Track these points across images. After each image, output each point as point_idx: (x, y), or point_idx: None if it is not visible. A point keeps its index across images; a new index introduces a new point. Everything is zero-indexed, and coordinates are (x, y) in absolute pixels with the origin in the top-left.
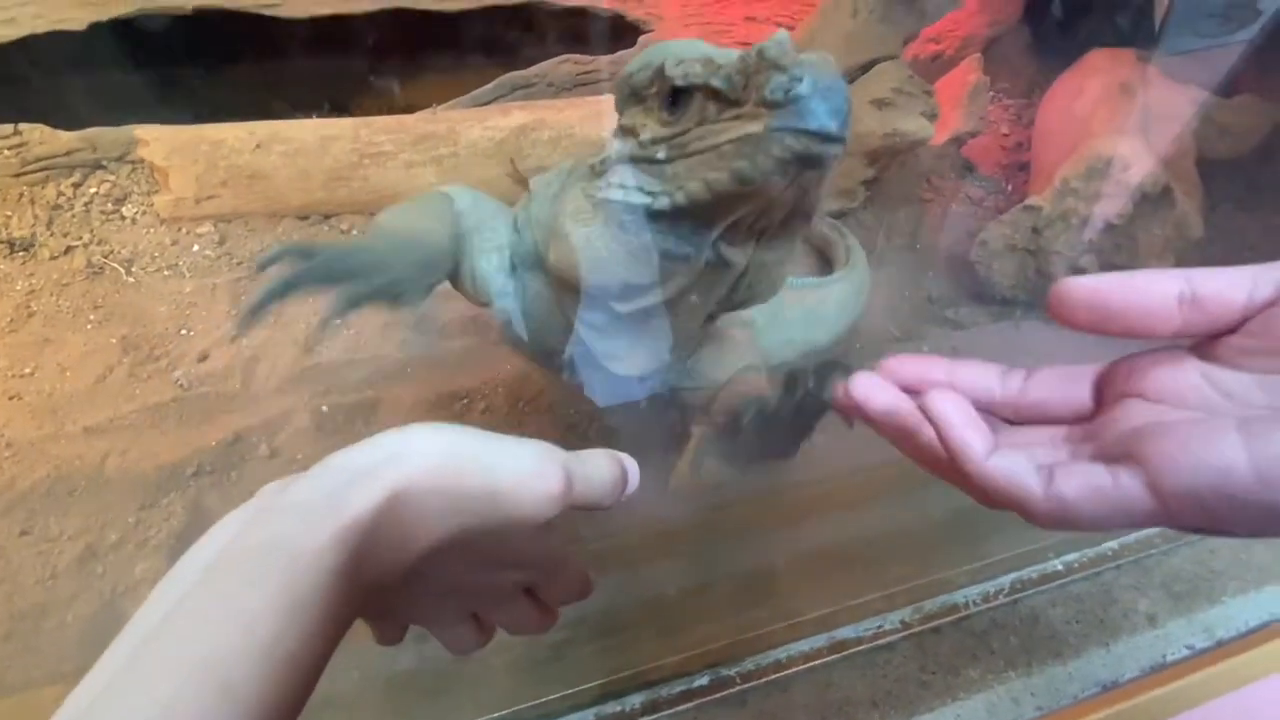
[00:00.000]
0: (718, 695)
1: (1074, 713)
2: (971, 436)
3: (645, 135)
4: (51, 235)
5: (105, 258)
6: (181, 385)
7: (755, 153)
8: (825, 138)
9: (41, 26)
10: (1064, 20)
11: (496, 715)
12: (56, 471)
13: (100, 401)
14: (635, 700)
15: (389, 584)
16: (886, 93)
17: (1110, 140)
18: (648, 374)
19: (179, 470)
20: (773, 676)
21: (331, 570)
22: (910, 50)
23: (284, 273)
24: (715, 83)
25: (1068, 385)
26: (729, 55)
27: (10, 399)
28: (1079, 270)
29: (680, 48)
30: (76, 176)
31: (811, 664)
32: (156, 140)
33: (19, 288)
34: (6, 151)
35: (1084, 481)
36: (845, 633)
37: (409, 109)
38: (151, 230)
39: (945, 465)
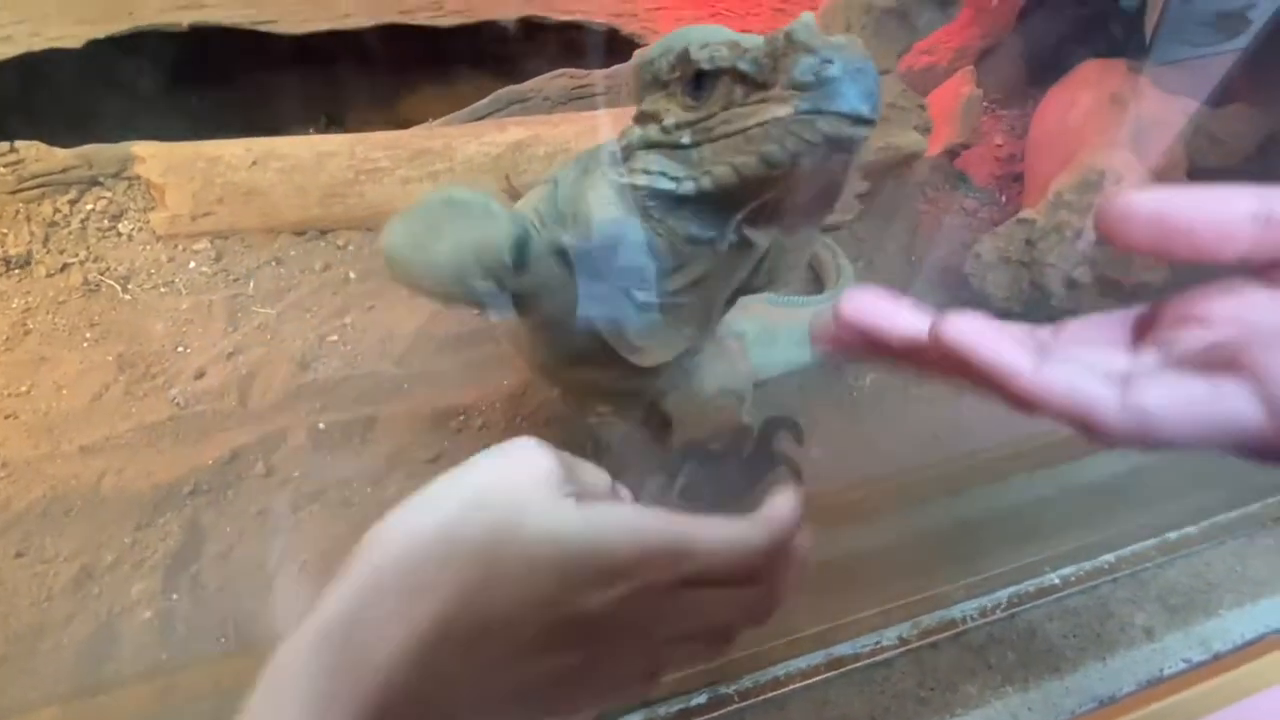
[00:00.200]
0: (716, 714)
1: None
2: (1010, 350)
3: (668, 120)
4: (48, 252)
5: (102, 275)
6: (178, 403)
7: (784, 136)
8: (856, 119)
9: (38, 44)
10: (1056, 31)
11: None
12: (52, 491)
13: (96, 420)
14: None
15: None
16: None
17: (1103, 152)
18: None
19: (175, 489)
20: (770, 694)
21: None
22: (903, 62)
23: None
24: (742, 66)
25: (1104, 330)
26: (753, 39)
27: (6, 418)
28: (1073, 283)
29: (701, 33)
30: (73, 193)
31: (809, 681)
32: (153, 157)
33: (15, 305)
34: (2, 169)
35: (1173, 391)
36: (843, 649)
37: (405, 124)
38: (148, 247)
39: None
